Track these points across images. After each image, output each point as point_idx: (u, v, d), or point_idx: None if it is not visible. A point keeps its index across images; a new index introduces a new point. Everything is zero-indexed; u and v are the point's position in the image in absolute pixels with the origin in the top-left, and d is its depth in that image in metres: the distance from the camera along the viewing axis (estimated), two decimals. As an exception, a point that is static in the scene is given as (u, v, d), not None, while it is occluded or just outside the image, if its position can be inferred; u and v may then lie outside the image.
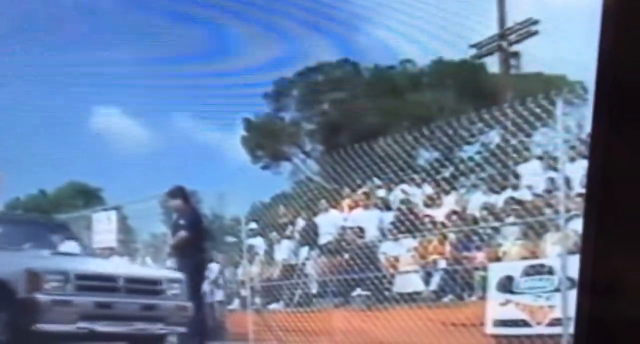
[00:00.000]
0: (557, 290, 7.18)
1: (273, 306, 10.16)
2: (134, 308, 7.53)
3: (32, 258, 7.72)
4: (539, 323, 7.31)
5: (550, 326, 7.15)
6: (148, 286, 7.84)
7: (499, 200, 8.73)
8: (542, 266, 7.56)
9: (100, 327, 7.23)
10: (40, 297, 6.93)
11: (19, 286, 7.01)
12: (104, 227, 11.58)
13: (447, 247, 8.84)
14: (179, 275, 8.51)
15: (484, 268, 8.19)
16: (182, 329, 8.04)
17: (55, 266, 7.37)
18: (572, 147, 7.63)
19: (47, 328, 6.93)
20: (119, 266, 8.34)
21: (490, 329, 7.58)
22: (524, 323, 7.41)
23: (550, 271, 7.38)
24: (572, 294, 6.01)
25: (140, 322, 7.56)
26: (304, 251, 10.16)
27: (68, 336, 7.31)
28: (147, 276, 8.22)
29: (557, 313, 7.10)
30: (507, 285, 7.64)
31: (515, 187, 8.81)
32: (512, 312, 7.53)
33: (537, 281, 7.47)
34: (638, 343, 1.20)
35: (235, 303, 10.94)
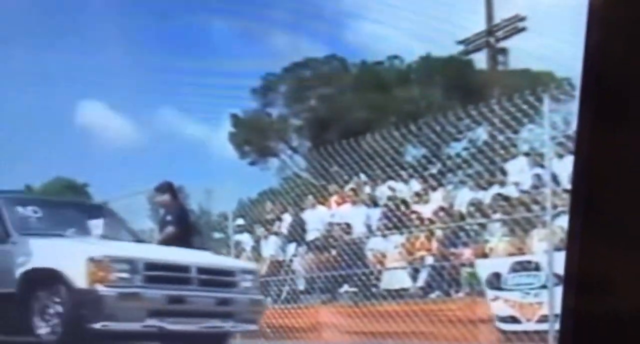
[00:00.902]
0: (544, 287, 7.21)
1: (260, 302, 10.18)
2: (207, 302, 6.62)
3: (87, 245, 6.71)
4: (529, 320, 7.33)
5: (540, 322, 7.18)
6: (221, 278, 6.91)
7: (486, 196, 8.74)
8: (529, 262, 7.58)
9: (170, 325, 6.35)
10: (104, 290, 6.01)
11: (77, 277, 6.09)
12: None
13: (434, 244, 8.85)
14: (252, 266, 7.79)
15: (471, 264, 8.21)
16: (254, 327, 7.19)
17: (121, 254, 6.41)
18: (559, 144, 7.65)
19: (110, 326, 6.04)
20: (189, 254, 7.34)
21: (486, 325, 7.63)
22: (514, 320, 7.44)
23: (537, 268, 7.40)
24: (559, 291, 6.03)
25: (213, 319, 6.67)
26: (292, 248, 10.15)
27: (132, 335, 6.47)
28: (220, 266, 7.22)
29: (546, 310, 7.13)
30: (494, 282, 7.66)
31: (502, 184, 8.82)
32: (502, 308, 7.56)
33: (524, 277, 7.50)
34: (624, 339, 1.19)
35: (223, 299, 10.93)
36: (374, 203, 9.73)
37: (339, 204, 10.01)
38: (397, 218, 8.96)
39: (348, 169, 9.33)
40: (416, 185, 9.69)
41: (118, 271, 6.13)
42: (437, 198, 9.28)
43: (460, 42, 14.61)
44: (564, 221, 7.11)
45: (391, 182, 9.77)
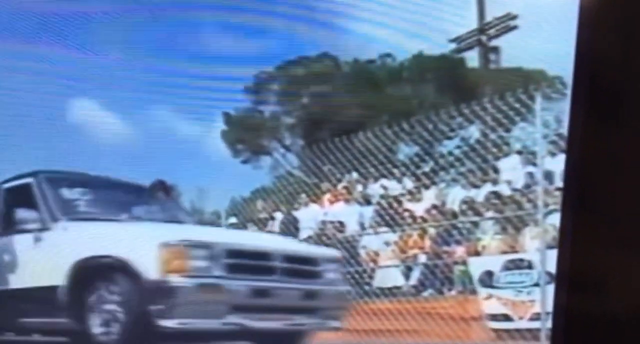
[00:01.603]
0: (536, 285, 7.22)
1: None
2: (292, 295, 5.78)
3: (158, 229, 6.06)
4: (521, 318, 7.35)
5: (532, 320, 7.20)
6: (306, 267, 6.04)
7: (478, 195, 8.75)
8: (521, 260, 7.60)
9: (253, 322, 5.48)
10: (180, 281, 5.17)
11: (146, 266, 5.25)
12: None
13: (427, 242, 8.86)
14: (336, 253, 7.06)
15: (464, 263, 8.22)
16: (338, 325, 6.37)
17: (200, 239, 5.53)
18: (552, 142, 7.67)
19: (186, 324, 5.21)
20: (271, 240, 6.67)
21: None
22: (507, 318, 7.45)
23: (530, 266, 7.42)
24: (552, 289, 6.05)
25: (297, 315, 5.79)
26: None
27: (210, 334, 5.59)
28: (305, 254, 6.31)
29: (538, 308, 7.14)
30: (487, 280, 7.67)
31: (494, 182, 8.84)
32: (494, 307, 7.57)
33: (516, 275, 7.51)
34: (615, 336, 1.21)
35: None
36: (367, 201, 9.73)
37: (331, 202, 10.01)
38: (390, 216, 8.96)
39: (341, 167, 9.33)
40: (409, 183, 9.70)
41: (195, 258, 5.30)
42: (429, 196, 9.30)
43: (452, 41, 14.61)
44: (556, 219, 7.14)
45: (384, 181, 9.78)
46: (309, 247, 7.66)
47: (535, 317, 7.12)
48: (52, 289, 5.74)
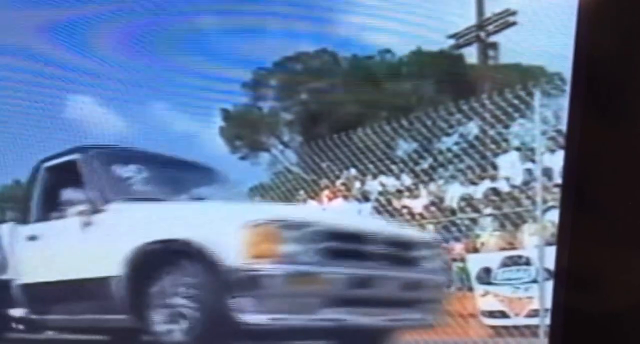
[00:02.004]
0: (534, 281, 7.21)
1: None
2: (394, 286, 4.85)
3: (240, 207, 5.37)
4: (517, 314, 7.34)
5: (528, 317, 7.18)
6: (405, 253, 5.08)
7: (477, 191, 8.74)
8: (519, 257, 7.58)
9: (350, 317, 4.54)
10: (271, 268, 4.26)
11: (227, 250, 4.34)
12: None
13: (426, 238, 8.87)
14: (436, 236, 6.39)
15: (462, 259, 8.20)
16: (436, 321, 5.52)
17: (293, 218, 4.58)
18: (551, 139, 7.65)
19: (276, 319, 4.31)
20: (368, 221, 5.71)
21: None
22: (503, 314, 7.44)
23: (528, 262, 7.40)
24: (550, 286, 6.03)
25: (397, 309, 4.84)
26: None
27: (302, 332, 4.65)
28: (406, 237, 5.35)
29: (535, 304, 7.13)
30: (484, 277, 7.66)
31: (493, 179, 8.82)
32: (491, 303, 7.56)
33: (514, 272, 7.50)
34: (613, 333, 1.20)
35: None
36: (365, 198, 9.72)
37: (330, 199, 10.00)
38: (388, 213, 8.95)
39: (339, 164, 9.32)
40: (407, 180, 9.69)
41: (288, 241, 4.40)
42: (428, 193, 9.29)
43: (451, 37, 14.59)
44: (555, 216, 7.13)
45: (382, 177, 9.77)
46: (405, 229, 6.66)
47: (532, 314, 7.11)
48: (105, 280, 4.98)
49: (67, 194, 5.56)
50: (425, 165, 9.75)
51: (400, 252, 5.05)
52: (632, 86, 1.21)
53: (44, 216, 5.88)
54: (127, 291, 4.87)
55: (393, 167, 9.76)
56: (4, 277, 6.06)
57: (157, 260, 4.75)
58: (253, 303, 4.33)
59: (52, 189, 5.84)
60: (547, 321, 6.15)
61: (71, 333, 6.09)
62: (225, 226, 4.58)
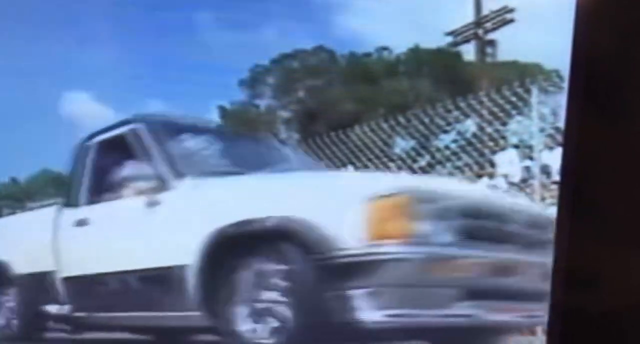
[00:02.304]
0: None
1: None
2: (536, 275, 3.79)
3: (348, 179, 4.50)
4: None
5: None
6: (537, 233, 4.00)
7: (474, 188, 8.74)
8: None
9: (486, 313, 3.65)
10: (399, 251, 3.34)
11: (344, 230, 3.42)
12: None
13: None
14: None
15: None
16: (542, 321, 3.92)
17: (428, 188, 3.70)
18: (549, 136, 7.64)
19: (397, 315, 3.37)
20: (504, 196, 4.92)
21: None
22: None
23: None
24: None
25: (533, 303, 3.68)
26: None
27: (423, 331, 3.74)
28: (546, 218, 4.18)
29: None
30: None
31: (491, 176, 8.81)
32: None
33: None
34: (612, 333, 1.18)
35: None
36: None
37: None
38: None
39: (337, 161, 9.30)
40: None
41: (422, 217, 3.46)
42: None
43: (449, 34, 14.60)
44: (553, 213, 7.11)
45: (380, 175, 9.76)
46: (544, 208, 5.68)
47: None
48: (174, 270, 4.15)
49: (127, 170, 4.80)
50: (423, 162, 9.73)
51: (542, 235, 4.01)
52: (631, 84, 1.20)
53: (96, 198, 5.13)
54: (202, 282, 4.02)
55: (391, 164, 9.74)
56: (41, 270, 5.38)
57: (241, 245, 3.88)
58: (369, 296, 3.42)
59: (107, 166, 5.11)
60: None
61: (124, 333, 5.49)
62: (338, 200, 3.67)
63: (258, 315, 3.75)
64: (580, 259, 1.20)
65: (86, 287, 5.05)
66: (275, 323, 3.66)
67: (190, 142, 4.93)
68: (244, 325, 3.79)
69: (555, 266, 1.25)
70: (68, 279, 5.20)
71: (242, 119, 15.22)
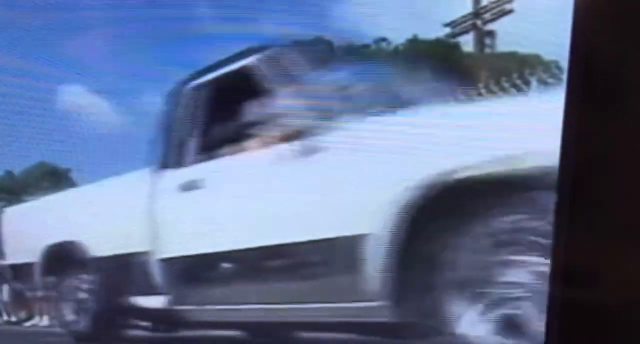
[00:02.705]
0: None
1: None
2: None
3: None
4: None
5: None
6: None
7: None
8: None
9: None
10: None
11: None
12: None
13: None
14: None
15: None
16: None
17: None
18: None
19: None
20: None
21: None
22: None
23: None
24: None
25: None
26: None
27: None
28: None
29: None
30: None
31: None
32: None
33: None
34: (609, 328, 1.21)
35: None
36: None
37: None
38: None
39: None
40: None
41: None
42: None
43: (447, 25, 14.55)
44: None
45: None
46: None
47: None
48: (346, 242, 2.86)
49: (253, 111, 3.57)
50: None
51: None
52: (630, 79, 1.19)
53: (211, 153, 3.97)
54: (397, 259, 2.75)
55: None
56: (130, 250, 4.12)
57: (475, 198, 2.73)
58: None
59: (226, 110, 3.94)
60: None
61: (241, 330, 3.98)
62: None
63: (500, 308, 2.35)
64: (578, 256, 1.21)
65: (195, 271, 3.84)
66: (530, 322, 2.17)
67: (338, 73, 3.36)
68: (472, 324, 2.50)
69: (553, 262, 1.25)
70: (168, 262, 4.00)
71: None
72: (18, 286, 5.83)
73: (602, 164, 1.12)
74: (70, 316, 4.39)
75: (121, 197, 4.28)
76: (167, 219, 3.95)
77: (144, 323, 4.23)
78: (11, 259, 4.65)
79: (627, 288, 1.14)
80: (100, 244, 4.25)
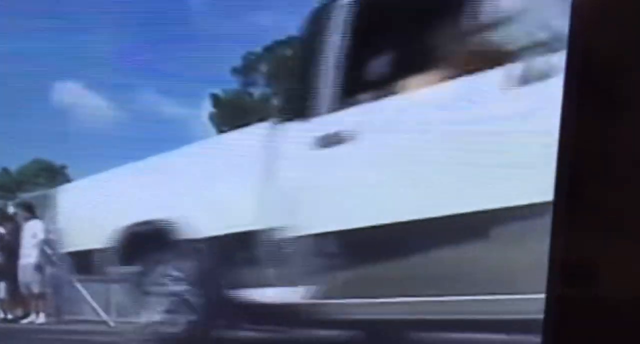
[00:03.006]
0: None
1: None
2: None
3: None
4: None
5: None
6: None
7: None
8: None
9: None
10: None
11: None
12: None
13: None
14: None
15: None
16: None
17: None
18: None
19: None
20: None
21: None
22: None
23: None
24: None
25: None
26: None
27: None
28: None
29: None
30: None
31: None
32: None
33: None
34: (607, 324, 1.20)
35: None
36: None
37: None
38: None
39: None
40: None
41: None
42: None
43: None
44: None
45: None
46: None
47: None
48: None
49: (432, 33, 2.79)
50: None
51: None
52: (627, 76, 1.19)
53: (362, 95, 3.08)
54: None
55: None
56: (245, 228, 3.31)
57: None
58: None
59: (383, 32, 2.99)
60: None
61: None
62: None
63: None
64: (575, 252, 1.20)
65: (340, 253, 3.01)
66: None
67: None
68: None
69: (551, 257, 1.24)
70: (303, 241, 3.17)
71: (235, 107, 15.15)
72: (16, 283, 5.72)
73: (599, 160, 1.13)
74: (159, 316, 3.57)
75: (230, 159, 3.38)
76: (298, 185, 3.07)
77: (264, 322, 3.35)
78: (75, 246, 3.77)
79: (626, 283, 1.15)
80: (202, 221, 3.39)
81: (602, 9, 1.14)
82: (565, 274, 1.26)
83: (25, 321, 7.73)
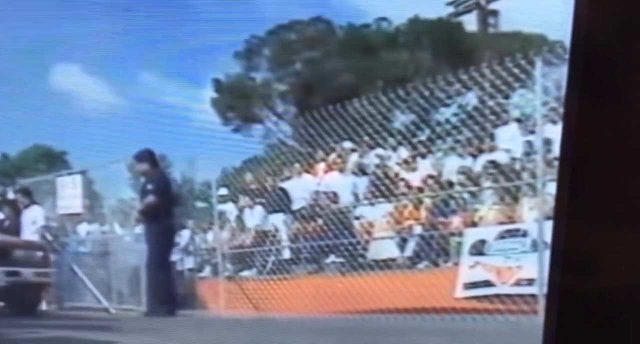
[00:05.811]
0: (529, 251, 7.09)
1: (245, 273, 10.02)
2: None
3: None
4: (503, 283, 7.24)
5: (515, 286, 7.12)
6: None
7: (476, 164, 8.59)
8: (517, 230, 7.48)
9: None
10: None
11: None
12: (69, 192, 11.28)
13: (423, 213, 8.70)
14: None
15: (460, 234, 8.08)
16: None
17: None
18: (552, 109, 7.47)
19: None
20: None
21: (460, 293, 7.51)
22: (488, 284, 7.33)
23: (524, 234, 7.30)
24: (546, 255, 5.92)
25: None
26: (277, 217, 9.99)
27: None
28: None
29: (523, 274, 7.07)
30: (479, 247, 7.56)
31: (492, 150, 8.65)
32: (478, 274, 7.46)
33: (509, 243, 7.40)
34: (609, 315, 1.19)
35: (207, 271, 10.76)
36: (362, 171, 9.56)
37: (325, 172, 9.83)
38: (385, 186, 8.80)
39: (334, 136, 9.14)
40: (405, 152, 9.54)
41: None
42: (425, 166, 9.13)
43: (450, 4, 14.37)
44: (554, 189, 6.98)
45: (379, 149, 9.60)
46: None
47: (520, 282, 7.05)
48: None
49: None
50: (423, 137, 9.58)
51: None
52: (631, 60, 1.11)
53: None
54: None
55: (390, 139, 9.60)
56: None
57: None
58: None
59: None
60: (544, 290, 6.06)
61: None
62: None
63: None
64: (578, 241, 1.19)
65: None
66: None
67: None
68: None
69: (553, 247, 1.25)
70: None
71: (237, 93, 14.98)
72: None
73: (602, 150, 1.09)
74: None
75: None
76: None
77: None
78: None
79: (627, 274, 1.13)
80: None
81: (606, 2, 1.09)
82: (567, 263, 1.23)
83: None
